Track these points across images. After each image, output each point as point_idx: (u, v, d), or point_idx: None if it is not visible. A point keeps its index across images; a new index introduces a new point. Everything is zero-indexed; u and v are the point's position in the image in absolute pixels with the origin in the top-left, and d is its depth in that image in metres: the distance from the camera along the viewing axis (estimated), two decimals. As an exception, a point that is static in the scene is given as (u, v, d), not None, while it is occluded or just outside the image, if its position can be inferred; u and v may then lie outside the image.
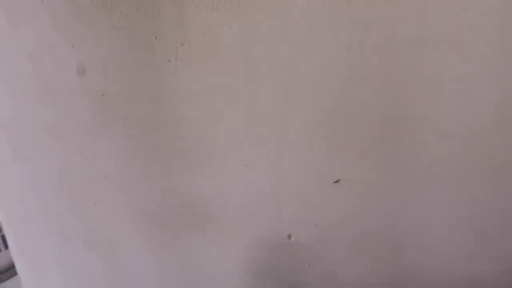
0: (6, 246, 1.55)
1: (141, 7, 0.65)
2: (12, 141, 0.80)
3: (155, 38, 0.67)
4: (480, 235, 0.70)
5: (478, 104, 0.61)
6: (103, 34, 0.67)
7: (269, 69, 0.65)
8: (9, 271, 1.58)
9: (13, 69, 0.73)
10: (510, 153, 0.63)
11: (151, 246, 0.87)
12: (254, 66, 0.65)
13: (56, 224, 0.87)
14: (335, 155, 0.69)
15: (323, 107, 0.65)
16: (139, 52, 0.68)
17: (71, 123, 0.76)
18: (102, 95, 0.72)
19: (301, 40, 0.62)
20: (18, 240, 0.92)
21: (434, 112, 0.63)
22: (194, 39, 0.65)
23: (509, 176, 0.65)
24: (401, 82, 0.61)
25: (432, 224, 0.71)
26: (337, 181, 0.70)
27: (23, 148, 0.80)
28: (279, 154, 0.71)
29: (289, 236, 0.78)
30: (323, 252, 0.78)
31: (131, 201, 0.82)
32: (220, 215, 0.79)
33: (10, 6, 0.68)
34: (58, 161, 0.80)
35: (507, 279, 0.71)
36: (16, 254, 0.95)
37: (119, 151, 0.77)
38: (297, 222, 0.76)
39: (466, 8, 0.56)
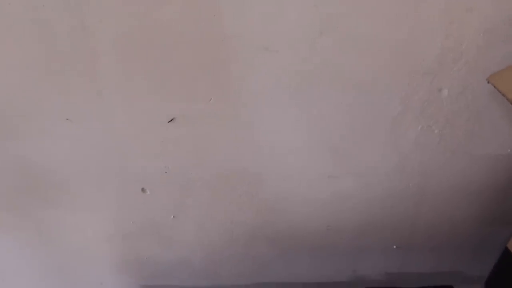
0: None
1: None
2: None
3: None
4: (335, 152, 0.67)
5: (299, 8, 0.54)
6: None
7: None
8: None
9: None
10: (344, 62, 0.58)
11: (2, 229, 0.77)
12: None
13: None
14: (159, 91, 0.60)
15: (124, 31, 0.54)
16: None
17: None
18: None
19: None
20: None
21: (253, 23, 0.54)
22: None
23: (351, 89, 0.60)
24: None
25: (285, 147, 0.66)
26: (172, 120, 0.62)
27: None
28: (101, 100, 0.61)
29: (143, 190, 0.71)
30: (184, 199, 0.72)
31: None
32: (62, 181, 0.69)
33: None
34: None
35: (366, 191, 0.70)
36: None
37: None
38: (146, 172, 0.69)
39: None
